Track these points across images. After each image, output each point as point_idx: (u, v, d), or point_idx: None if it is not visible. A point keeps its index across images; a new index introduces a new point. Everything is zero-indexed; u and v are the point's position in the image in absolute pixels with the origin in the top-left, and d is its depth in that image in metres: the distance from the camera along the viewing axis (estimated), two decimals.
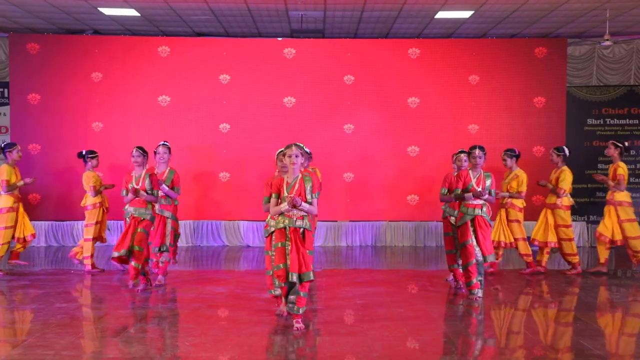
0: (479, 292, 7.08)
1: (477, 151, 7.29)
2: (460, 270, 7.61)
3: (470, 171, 7.34)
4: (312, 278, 5.88)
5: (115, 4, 10.80)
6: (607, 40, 10.81)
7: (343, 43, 12.75)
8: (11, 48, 12.47)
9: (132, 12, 11.23)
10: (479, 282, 7.10)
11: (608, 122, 13.08)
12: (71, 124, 12.34)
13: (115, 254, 7.50)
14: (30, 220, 10.76)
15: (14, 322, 6.20)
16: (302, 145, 7.33)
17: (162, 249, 8.06)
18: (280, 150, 6.60)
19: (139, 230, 7.49)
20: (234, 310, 6.93)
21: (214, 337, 5.64)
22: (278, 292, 6.08)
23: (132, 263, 7.53)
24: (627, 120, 13.08)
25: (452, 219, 7.86)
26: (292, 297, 5.86)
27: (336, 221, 12.63)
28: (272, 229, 6.02)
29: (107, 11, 11.18)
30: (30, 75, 12.38)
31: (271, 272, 6.09)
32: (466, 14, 11.30)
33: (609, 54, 12.93)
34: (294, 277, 5.76)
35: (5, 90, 12.66)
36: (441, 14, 11.28)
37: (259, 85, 12.59)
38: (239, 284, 8.91)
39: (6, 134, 12.64)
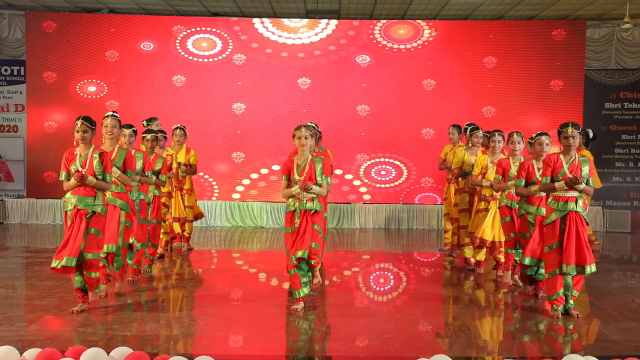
0: (562, 309, 5.74)
1: (569, 129, 5.72)
2: (539, 283, 6.44)
3: (561, 155, 5.79)
4: (317, 247, 5.79)
5: None
6: (627, 23, 10.66)
7: (358, 24, 12.65)
8: (28, 26, 12.50)
9: None
10: (564, 297, 5.75)
11: (626, 106, 12.92)
12: (86, 102, 12.38)
13: (57, 264, 5.38)
14: (46, 198, 10.82)
15: (32, 298, 6.26)
16: (314, 125, 7.30)
17: (110, 249, 6.09)
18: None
19: (91, 231, 5.56)
20: (248, 290, 6.96)
21: (228, 317, 5.66)
22: (301, 293, 5.89)
23: (86, 272, 5.56)
24: None
25: (531, 217, 6.37)
26: (305, 280, 5.88)
27: (349, 203, 12.62)
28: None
29: None
30: (46, 53, 12.43)
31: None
32: None
33: (628, 37, 12.75)
34: (299, 254, 5.69)
35: (22, 68, 12.69)
36: None
37: (273, 66, 12.56)
38: (253, 264, 8.94)
39: (22, 112, 12.69)
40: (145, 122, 8.61)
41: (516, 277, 6.99)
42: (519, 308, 6.26)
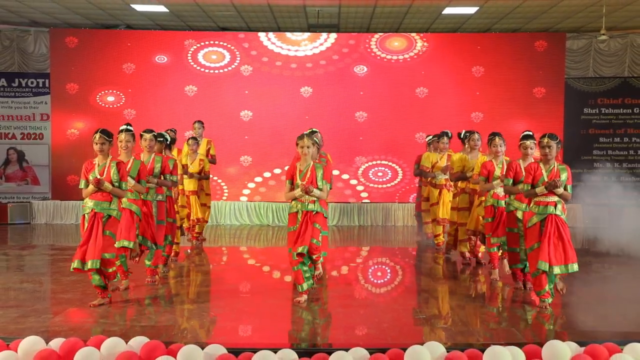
0: (550, 300, 5.68)
1: (545, 139, 5.71)
2: (527, 275, 6.33)
3: (541, 164, 5.76)
4: (318, 244, 5.77)
5: (146, 1, 10.78)
6: (603, 35, 10.63)
7: (356, 37, 12.66)
8: (52, 42, 12.53)
9: (161, 9, 11.21)
10: (549, 291, 5.66)
11: (603, 112, 12.91)
12: (106, 111, 12.40)
13: (80, 265, 5.46)
14: (69, 200, 10.77)
15: (56, 292, 6.28)
16: (316, 130, 7.30)
17: (127, 245, 6.00)
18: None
19: (106, 233, 5.52)
20: (255, 283, 6.96)
21: (237, 308, 5.67)
22: (304, 286, 5.80)
23: (103, 268, 5.54)
24: (621, 109, 12.90)
25: (520, 214, 6.28)
26: (307, 275, 5.84)
27: (349, 202, 12.62)
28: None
29: (139, 7, 11.17)
30: (68, 66, 12.45)
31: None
32: (472, 10, 11.17)
33: (604, 48, 12.74)
34: (300, 250, 5.66)
35: (47, 80, 12.72)
36: (448, 10, 11.15)
37: (278, 76, 12.57)
38: (260, 259, 8.95)
39: (47, 121, 12.72)
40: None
41: (507, 269, 6.91)
42: (508, 299, 6.26)
